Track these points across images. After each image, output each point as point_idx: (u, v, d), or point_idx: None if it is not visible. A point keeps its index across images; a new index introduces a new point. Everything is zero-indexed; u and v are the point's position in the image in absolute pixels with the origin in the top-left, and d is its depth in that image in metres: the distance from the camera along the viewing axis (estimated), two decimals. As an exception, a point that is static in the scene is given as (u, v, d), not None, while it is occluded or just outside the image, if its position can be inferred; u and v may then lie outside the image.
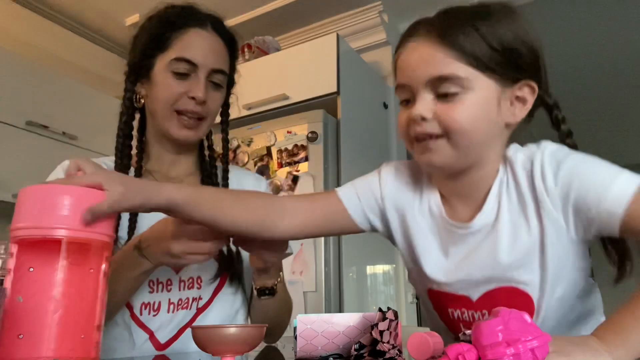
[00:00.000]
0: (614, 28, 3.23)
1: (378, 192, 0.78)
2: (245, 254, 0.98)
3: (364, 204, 0.78)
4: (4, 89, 2.00)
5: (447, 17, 0.66)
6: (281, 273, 0.93)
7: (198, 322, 0.91)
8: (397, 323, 0.65)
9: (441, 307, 0.75)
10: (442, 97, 0.63)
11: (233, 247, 0.97)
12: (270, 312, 0.96)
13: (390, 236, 0.80)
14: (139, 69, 0.93)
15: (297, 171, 2.06)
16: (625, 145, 5.49)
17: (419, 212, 0.75)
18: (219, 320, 0.93)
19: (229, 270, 0.94)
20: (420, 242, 0.74)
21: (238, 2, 2.67)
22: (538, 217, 0.65)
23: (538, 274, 0.66)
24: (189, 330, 0.90)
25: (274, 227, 0.74)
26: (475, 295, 0.70)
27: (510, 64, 0.64)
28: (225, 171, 1.00)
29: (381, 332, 0.63)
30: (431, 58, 0.63)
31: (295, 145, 2.09)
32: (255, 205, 0.74)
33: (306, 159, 2.05)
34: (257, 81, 2.35)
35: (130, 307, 0.87)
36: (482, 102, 0.63)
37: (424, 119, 0.64)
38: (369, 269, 2.21)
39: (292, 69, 2.31)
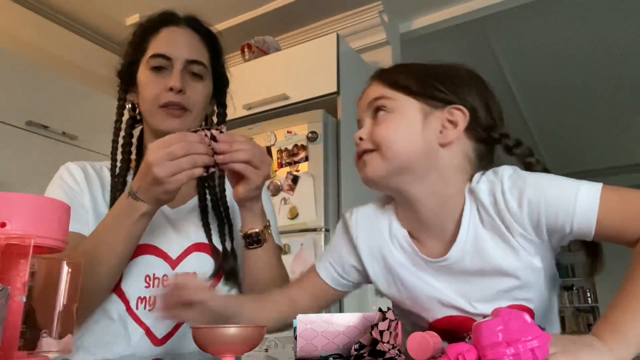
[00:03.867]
0: (614, 28, 3.23)
1: (352, 255, 0.82)
2: (239, 248, 0.99)
3: (344, 275, 0.83)
4: (4, 89, 2.00)
5: (394, 66, 0.80)
6: (270, 230, 0.92)
7: None
8: (397, 323, 0.65)
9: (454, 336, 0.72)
10: (376, 120, 0.73)
11: (228, 246, 0.97)
12: (264, 272, 0.92)
13: (374, 284, 0.82)
14: (127, 78, 0.97)
15: (297, 171, 2.06)
16: (625, 145, 5.49)
17: (395, 249, 0.77)
18: None
19: (225, 267, 0.94)
20: (409, 277, 0.75)
21: (238, 2, 2.67)
22: (516, 241, 0.67)
23: (535, 288, 0.70)
24: (185, 326, 0.90)
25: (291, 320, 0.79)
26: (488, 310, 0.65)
27: (437, 94, 0.72)
28: (221, 170, 1.01)
29: (381, 332, 0.63)
30: (372, 91, 0.76)
31: (295, 145, 2.09)
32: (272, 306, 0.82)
33: (306, 159, 2.06)
34: (257, 81, 2.35)
35: (126, 301, 0.87)
36: (406, 119, 0.71)
37: (361, 139, 0.74)
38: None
39: (292, 69, 2.31)
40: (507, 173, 0.68)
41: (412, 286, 0.75)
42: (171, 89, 0.91)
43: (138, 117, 1.01)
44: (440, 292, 0.73)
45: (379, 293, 0.84)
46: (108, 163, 0.99)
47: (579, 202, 0.62)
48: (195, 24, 0.98)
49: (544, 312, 0.73)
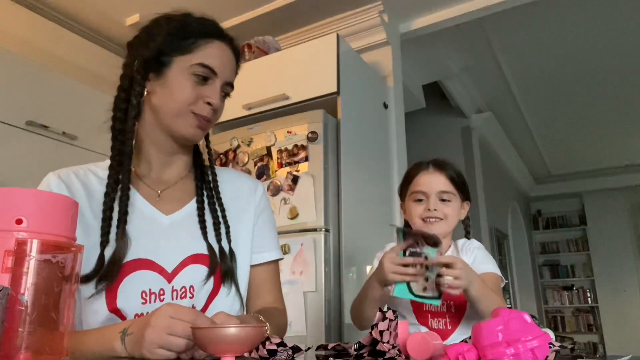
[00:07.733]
0: (613, 28, 3.23)
1: None
2: (239, 253, 0.98)
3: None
4: (4, 89, 2.00)
5: (443, 162, 1.32)
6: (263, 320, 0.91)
7: None
8: (397, 323, 0.65)
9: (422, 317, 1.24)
10: (442, 201, 1.28)
11: (225, 246, 0.96)
12: None
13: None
14: (151, 66, 0.92)
15: (297, 171, 2.05)
16: (625, 145, 5.49)
17: None
18: None
19: (221, 267, 0.93)
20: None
21: (238, 2, 2.67)
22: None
23: None
24: None
25: None
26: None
27: (466, 195, 1.32)
28: (214, 174, 1.03)
29: (381, 332, 0.63)
30: (442, 183, 1.28)
31: (295, 145, 2.09)
32: None
33: (306, 159, 2.05)
34: (257, 81, 2.35)
35: (123, 319, 0.85)
36: (456, 207, 1.30)
37: (435, 210, 1.26)
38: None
39: (292, 69, 2.31)
40: (475, 243, 1.31)
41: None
42: (209, 104, 0.92)
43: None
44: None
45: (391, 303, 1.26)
46: (93, 166, 0.96)
47: (486, 265, 1.24)
48: (235, 47, 1.01)
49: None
